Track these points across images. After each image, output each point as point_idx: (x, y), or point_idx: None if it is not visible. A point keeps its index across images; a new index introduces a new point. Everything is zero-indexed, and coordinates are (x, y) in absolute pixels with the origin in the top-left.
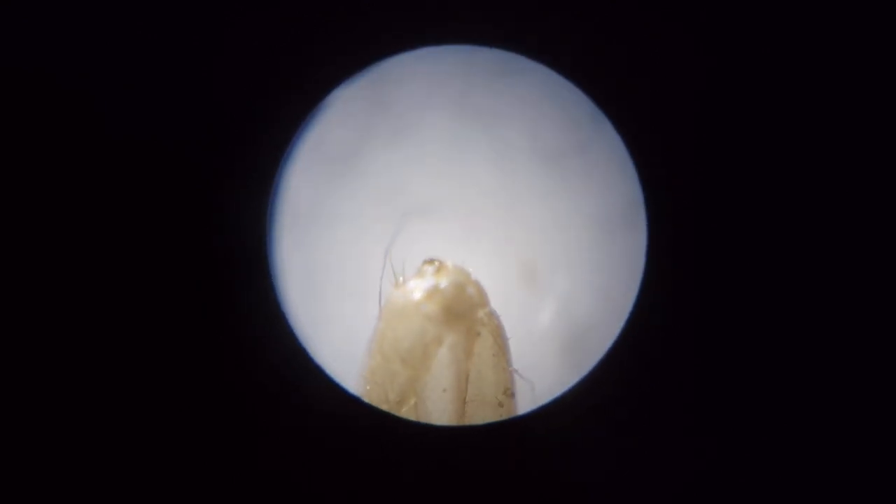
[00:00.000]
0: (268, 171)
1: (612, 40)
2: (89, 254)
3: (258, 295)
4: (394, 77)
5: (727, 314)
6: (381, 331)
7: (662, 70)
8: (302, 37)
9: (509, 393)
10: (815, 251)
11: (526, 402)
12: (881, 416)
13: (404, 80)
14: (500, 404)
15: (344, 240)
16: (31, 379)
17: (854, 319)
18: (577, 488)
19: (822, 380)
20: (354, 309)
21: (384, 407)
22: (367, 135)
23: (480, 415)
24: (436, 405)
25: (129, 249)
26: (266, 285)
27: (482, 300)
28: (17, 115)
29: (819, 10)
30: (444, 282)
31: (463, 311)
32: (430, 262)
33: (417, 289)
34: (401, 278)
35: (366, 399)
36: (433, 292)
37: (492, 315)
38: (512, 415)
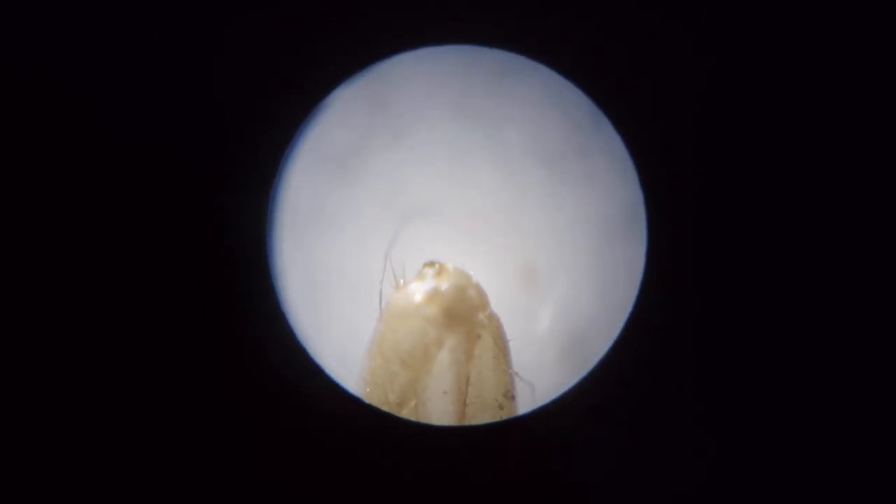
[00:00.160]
0: (268, 171)
1: (612, 40)
2: (89, 254)
3: (258, 295)
4: (394, 77)
5: (727, 314)
6: (381, 333)
7: (662, 70)
8: (302, 37)
9: (509, 395)
10: (815, 251)
11: (526, 404)
12: (881, 416)
13: (404, 81)
14: (501, 406)
15: (344, 240)
16: (31, 379)
17: (854, 319)
18: (577, 488)
19: (821, 379)
20: (354, 309)
21: (384, 408)
22: (367, 136)
23: (480, 417)
24: (436, 407)
25: (130, 249)
26: (266, 285)
27: (483, 303)
28: (17, 115)
29: (819, 10)
30: (444, 284)
31: (463, 313)
32: (431, 264)
33: (418, 291)
34: (401, 281)
35: (366, 400)
36: (434, 295)
37: (492, 317)
38: (512, 417)
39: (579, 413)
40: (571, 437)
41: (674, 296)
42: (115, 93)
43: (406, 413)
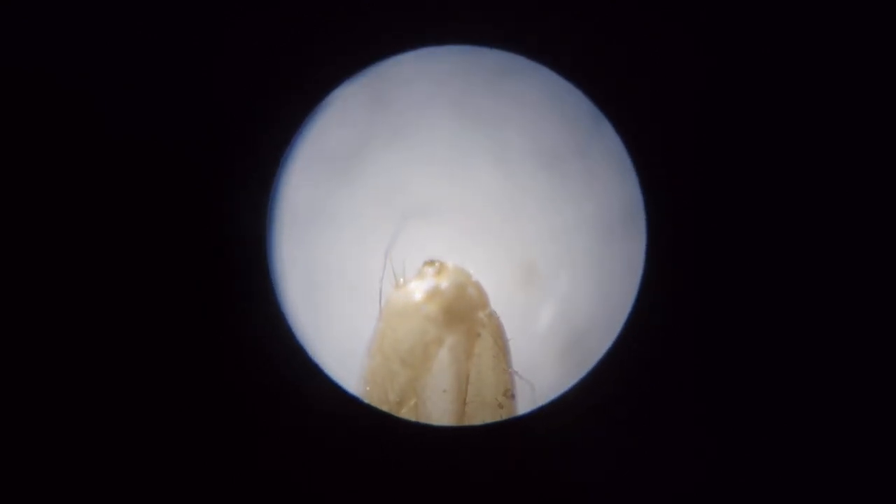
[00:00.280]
0: (268, 171)
1: (612, 40)
2: (89, 254)
3: (258, 295)
4: (394, 77)
5: (727, 314)
6: (381, 331)
7: (662, 70)
8: (302, 37)
9: (509, 394)
10: (815, 251)
11: (526, 403)
12: (881, 416)
13: (404, 80)
14: (500, 405)
15: (344, 239)
16: (31, 378)
17: (854, 319)
18: (577, 488)
19: (821, 379)
20: (354, 309)
21: (384, 407)
22: (367, 135)
23: (480, 416)
24: (436, 406)
25: (129, 249)
26: (266, 285)
27: (483, 301)
28: (17, 115)
29: (819, 10)
30: (444, 283)
31: (463, 312)
32: (431, 263)
33: (418, 290)
34: (401, 279)
35: (366, 399)
36: (434, 293)
37: (492, 316)
38: (512, 416)
39: (579, 413)
40: (571, 437)
41: (674, 296)
42: (115, 93)
43: (406, 412)
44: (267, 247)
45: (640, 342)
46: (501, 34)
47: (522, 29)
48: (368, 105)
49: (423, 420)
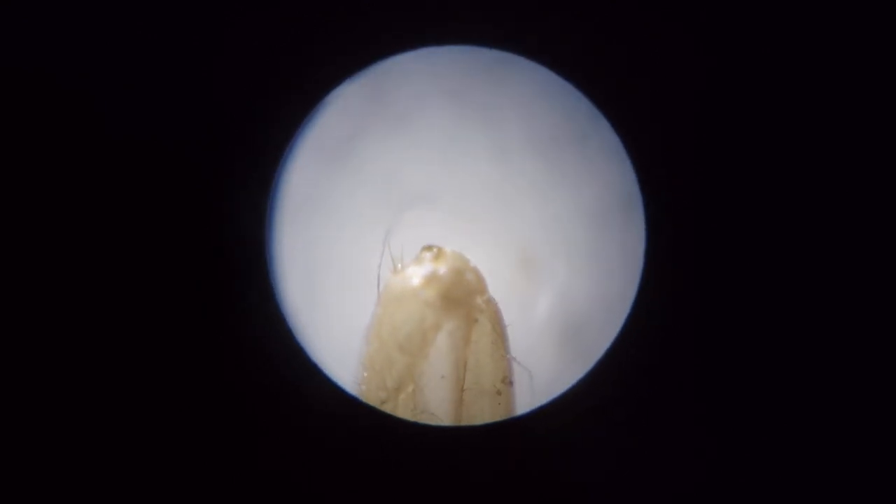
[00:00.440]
0: (268, 171)
1: (612, 40)
2: (89, 254)
3: (258, 295)
4: (391, 68)
5: (726, 315)
6: (379, 317)
7: (662, 70)
8: (302, 37)
9: (507, 381)
10: (815, 251)
11: (524, 391)
12: (881, 416)
13: (402, 72)
14: (499, 392)
15: (344, 240)
16: (31, 378)
17: (854, 318)
18: (577, 488)
19: (821, 378)
20: (354, 309)
21: (382, 394)
22: (364, 126)
23: (478, 403)
24: (434, 393)
25: (129, 249)
26: (266, 285)
27: (481, 286)
28: (17, 115)
29: (819, 10)
30: (442, 268)
31: (461, 297)
32: (429, 248)
33: (416, 275)
34: (399, 265)
35: (363, 386)
36: (431, 278)
37: (490, 302)
38: (510, 404)
39: (579, 413)
40: (571, 437)
41: (673, 296)
42: (115, 93)
43: (404, 398)
44: (267, 247)
45: (640, 343)
46: (501, 34)
47: (522, 29)
48: (366, 96)
49: (421, 407)
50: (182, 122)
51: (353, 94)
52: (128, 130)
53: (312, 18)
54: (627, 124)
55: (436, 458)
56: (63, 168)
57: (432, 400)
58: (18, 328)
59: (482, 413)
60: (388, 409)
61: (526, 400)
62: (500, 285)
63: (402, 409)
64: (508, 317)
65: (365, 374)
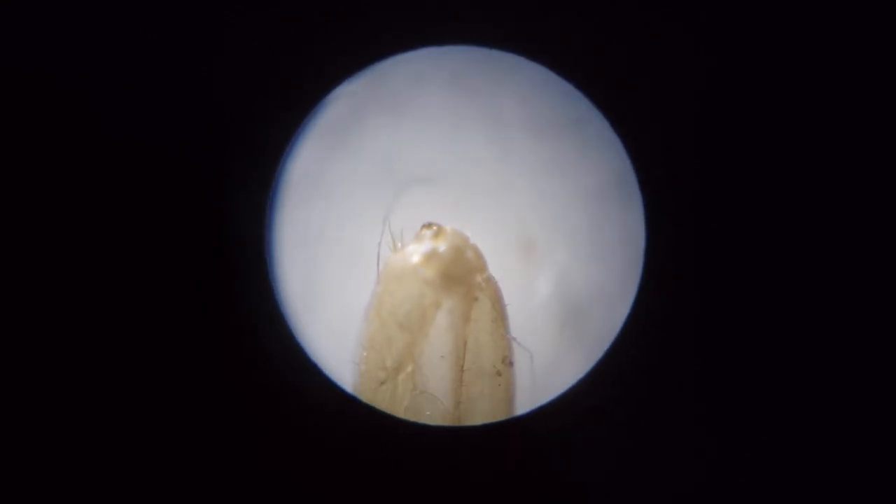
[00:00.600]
0: (268, 171)
1: (612, 40)
2: (89, 254)
3: (258, 295)
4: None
5: (726, 316)
6: (379, 295)
7: (662, 70)
8: (302, 37)
9: (507, 361)
10: (815, 251)
11: (524, 372)
12: (881, 416)
13: (402, 56)
14: (499, 373)
15: (344, 239)
16: (30, 378)
17: (854, 317)
18: (577, 488)
19: (821, 378)
20: (354, 309)
21: (381, 374)
22: (363, 109)
23: (478, 384)
24: (433, 372)
25: (129, 249)
26: (266, 285)
27: (480, 264)
28: (17, 115)
29: (819, 10)
30: (442, 245)
31: (461, 274)
32: (429, 226)
33: (416, 253)
34: (399, 244)
35: (362, 366)
36: (431, 256)
37: (490, 280)
38: (510, 385)
39: (579, 413)
40: (571, 437)
41: (673, 296)
42: (115, 93)
43: (403, 378)
44: (267, 247)
45: (640, 342)
46: (501, 34)
47: (522, 29)
48: (365, 80)
49: (421, 387)
50: (182, 122)
51: (354, 78)
52: (128, 130)
53: (312, 18)
54: (627, 124)
55: (436, 458)
56: (63, 168)
57: (432, 380)
58: (18, 328)
59: (482, 394)
60: (387, 389)
61: (526, 381)
62: (500, 267)
63: (401, 388)
64: (508, 298)
65: (364, 354)
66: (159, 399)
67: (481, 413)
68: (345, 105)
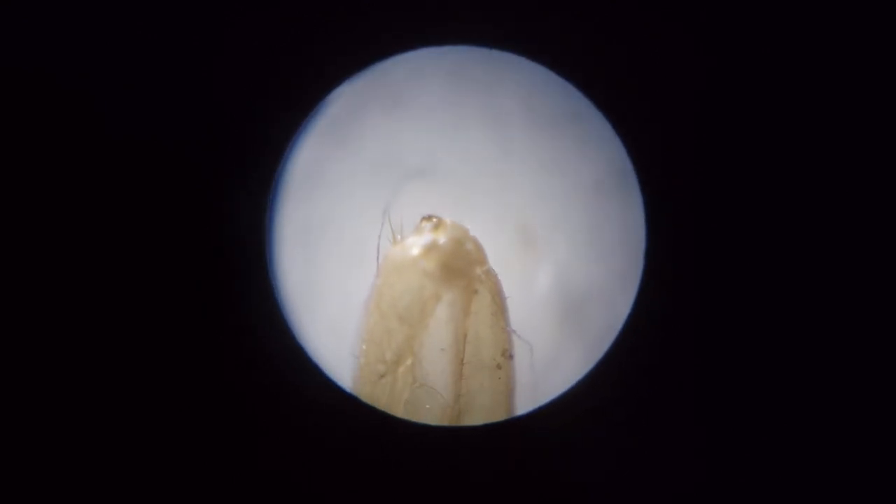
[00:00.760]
0: (268, 171)
1: (612, 40)
2: (89, 254)
3: (258, 295)
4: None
5: (726, 316)
6: (378, 288)
7: (662, 70)
8: (302, 37)
9: (507, 354)
10: (815, 250)
11: (524, 365)
12: (881, 416)
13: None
14: (499, 366)
15: (345, 238)
16: (30, 378)
17: (854, 316)
18: (577, 488)
19: (821, 378)
20: (355, 308)
21: (380, 367)
22: (363, 103)
23: (478, 377)
24: (433, 365)
25: (129, 249)
26: (266, 285)
27: (480, 257)
28: (17, 115)
29: (819, 10)
30: (442, 238)
31: (461, 267)
32: (429, 218)
33: (415, 245)
34: (399, 236)
35: (362, 359)
36: (431, 248)
37: (490, 273)
38: (510, 379)
39: (579, 413)
40: (571, 437)
41: (673, 297)
42: (115, 93)
43: (403, 371)
44: (267, 247)
45: (640, 342)
46: (501, 34)
47: (522, 29)
48: (364, 75)
49: (421, 380)
50: (182, 122)
51: (354, 78)
52: (128, 130)
53: (312, 18)
54: (627, 124)
55: (436, 458)
56: (63, 168)
57: (431, 373)
58: (18, 328)
59: (481, 387)
60: (386, 382)
61: (526, 375)
62: (500, 260)
63: (401, 382)
64: (508, 291)
65: (364, 347)
66: (159, 399)
67: (481, 407)
68: (345, 100)
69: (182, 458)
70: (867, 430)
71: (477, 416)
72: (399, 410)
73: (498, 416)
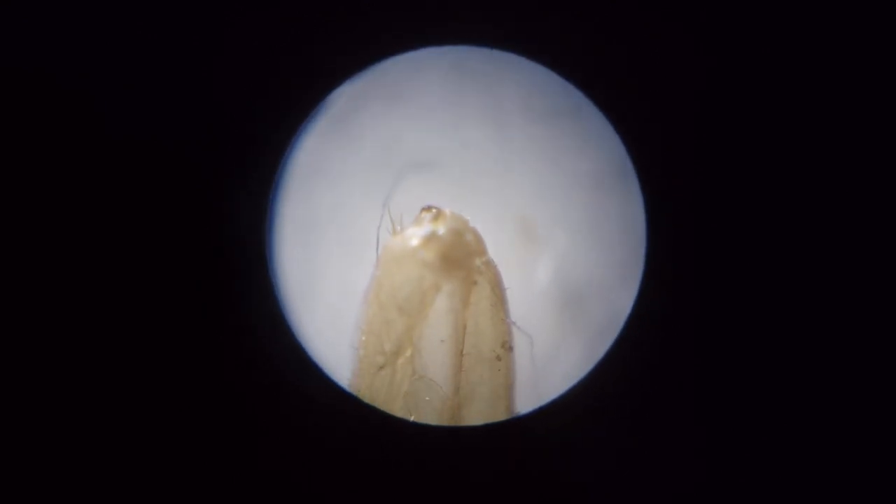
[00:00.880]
0: (268, 171)
1: (612, 40)
2: (89, 254)
3: (258, 295)
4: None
5: (726, 316)
6: (378, 279)
7: (662, 70)
8: (302, 37)
9: (507, 346)
10: (815, 250)
11: (524, 357)
12: (881, 416)
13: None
14: (498, 358)
15: (345, 238)
16: (31, 378)
17: (854, 316)
18: (577, 488)
19: (821, 378)
20: (355, 308)
21: (380, 359)
22: (363, 96)
23: (478, 369)
24: (433, 357)
25: (129, 249)
26: (266, 285)
27: (480, 248)
28: (17, 115)
29: (819, 10)
30: (441, 228)
31: (460, 258)
32: (428, 209)
33: (415, 235)
34: (398, 227)
35: (361, 350)
36: (430, 238)
37: (489, 264)
38: (509, 371)
39: (579, 413)
40: (571, 437)
41: (673, 297)
42: (115, 93)
43: (402, 363)
44: (267, 247)
45: (640, 342)
46: (501, 34)
47: (522, 29)
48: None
49: (420, 372)
50: (182, 122)
51: (354, 78)
52: (128, 130)
53: (312, 18)
54: (628, 124)
55: (436, 457)
56: (63, 168)
57: (431, 364)
58: (18, 328)
59: (481, 379)
60: (386, 374)
61: (526, 368)
62: (499, 252)
63: (400, 373)
64: (508, 285)
65: (363, 338)
66: (160, 399)
67: (481, 399)
68: (345, 95)
69: (182, 458)
70: (867, 430)
71: (477, 409)
72: (398, 402)
73: (498, 408)
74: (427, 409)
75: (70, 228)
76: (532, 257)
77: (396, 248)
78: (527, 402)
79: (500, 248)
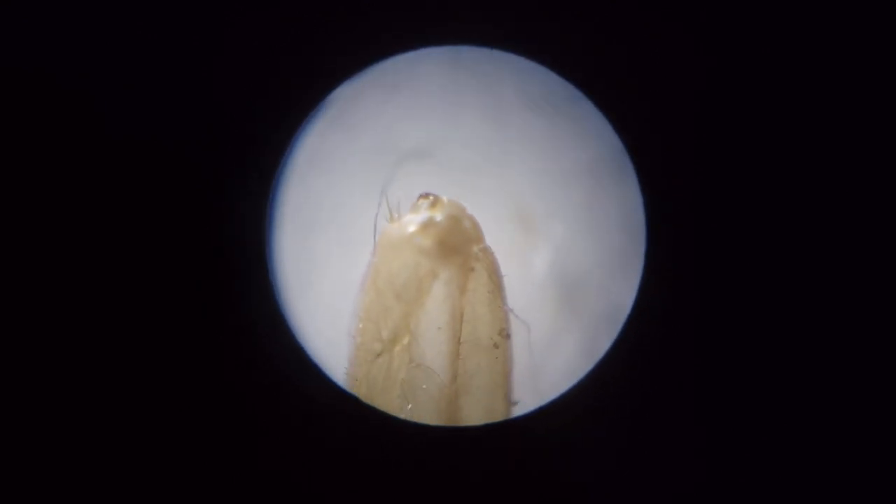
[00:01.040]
0: (268, 171)
1: (612, 40)
2: (89, 254)
3: (258, 295)
4: None
5: (726, 316)
6: (375, 265)
7: (662, 70)
8: (302, 37)
9: (504, 334)
10: (815, 249)
11: (521, 345)
12: (881, 416)
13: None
14: (496, 346)
15: (344, 237)
16: (31, 378)
17: (854, 316)
18: (577, 488)
19: (821, 378)
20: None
21: (377, 346)
22: (362, 87)
23: (475, 357)
24: (430, 344)
25: (130, 249)
26: (266, 285)
27: (477, 235)
28: (17, 115)
29: (819, 10)
30: (438, 215)
31: (458, 244)
32: (426, 196)
33: (412, 222)
34: (396, 214)
35: (358, 338)
36: (428, 225)
37: (487, 251)
38: (507, 359)
39: (579, 413)
40: (571, 437)
41: (674, 297)
42: (115, 93)
43: (399, 351)
44: (267, 247)
45: (640, 342)
46: (501, 34)
47: (522, 29)
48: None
49: (418, 359)
50: (182, 122)
51: (354, 78)
52: (128, 130)
53: (312, 18)
54: (628, 124)
55: (435, 457)
56: (63, 168)
57: (428, 352)
58: (18, 328)
59: (479, 367)
60: (383, 361)
61: (523, 357)
62: (497, 240)
63: (397, 361)
64: (505, 270)
65: (360, 326)
66: (160, 399)
67: (479, 387)
68: (345, 94)
69: (182, 458)
70: (867, 430)
71: (474, 397)
72: (395, 390)
73: (496, 397)
74: (424, 397)
75: (70, 228)
76: (530, 247)
77: (394, 235)
78: (525, 391)
79: (498, 238)
